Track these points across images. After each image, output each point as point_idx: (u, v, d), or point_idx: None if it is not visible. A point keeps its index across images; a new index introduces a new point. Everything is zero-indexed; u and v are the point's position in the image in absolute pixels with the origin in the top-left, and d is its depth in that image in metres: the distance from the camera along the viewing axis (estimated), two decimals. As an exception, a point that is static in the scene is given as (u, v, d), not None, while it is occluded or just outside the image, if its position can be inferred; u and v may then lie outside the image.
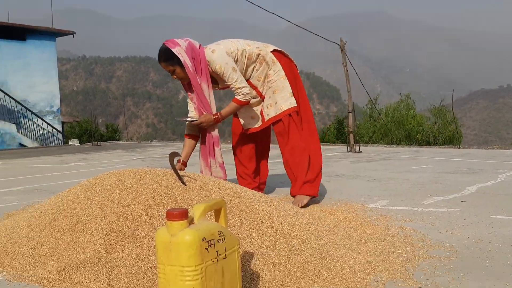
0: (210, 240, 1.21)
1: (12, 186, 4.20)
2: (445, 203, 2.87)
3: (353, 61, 8.01)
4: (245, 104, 2.90)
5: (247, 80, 2.95)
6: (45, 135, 14.04)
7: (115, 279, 1.58)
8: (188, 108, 3.01)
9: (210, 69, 2.84)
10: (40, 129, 13.91)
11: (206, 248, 1.19)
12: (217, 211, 1.38)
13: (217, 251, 1.23)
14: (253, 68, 2.97)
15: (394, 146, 8.44)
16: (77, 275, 1.63)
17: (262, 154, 3.27)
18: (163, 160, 6.34)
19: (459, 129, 13.65)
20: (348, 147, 7.18)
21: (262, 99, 3.03)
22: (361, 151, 6.96)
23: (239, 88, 2.82)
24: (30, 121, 13.70)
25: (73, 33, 15.32)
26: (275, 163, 5.45)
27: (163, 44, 2.81)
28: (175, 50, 2.74)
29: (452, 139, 15.81)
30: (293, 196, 2.95)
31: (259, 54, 2.96)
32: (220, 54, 2.81)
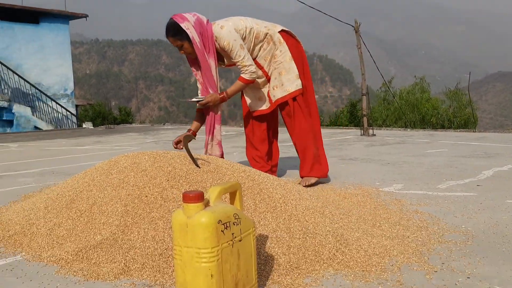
0: (226, 223, 1.21)
1: (28, 168, 4.26)
2: (460, 187, 2.84)
3: (367, 43, 7.89)
4: (251, 83, 2.89)
5: (254, 59, 2.93)
6: (60, 118, 14.19)
7: (132, 260, 1.60)
8: (198, 85, 3.02)
9: (217, 46, 2.82)
10: (55, 112, 14.04)
11: (222, 231, 1.20)
12: (232, 194, 1.38)
13: (232, 234, 1.23)
14: (260, 47, 2.95)
15: (408, 129, 8.36)
16: (94, 256, 1.65)
17: (272, 136, 3.27)
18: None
19: (475, 112, 13.46)
20: (362, 131, 7.12)
21: (268, 79, 3.02)
22: (374, 135, 6.91)
23: (245, 66, 2.80)
24: (44, 104, 13.83)
25: (86, 16, 15.33)
26: (287, 146, 5.44)
27: (171, 18, 2.77)
28: (183, 25, 2.71)
29: (467, 123, 15.59)
30: (302, 177, 3.03)
31: (267, 34, 2.94)
32: (229, 30, 2.78)
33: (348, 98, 22.48)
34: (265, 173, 2.29)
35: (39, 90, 13.62)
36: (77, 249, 1.70)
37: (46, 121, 13.53)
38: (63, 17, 14.81)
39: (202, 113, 2.92)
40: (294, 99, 2.96)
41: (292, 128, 3.03)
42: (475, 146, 5.01)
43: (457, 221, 2.09)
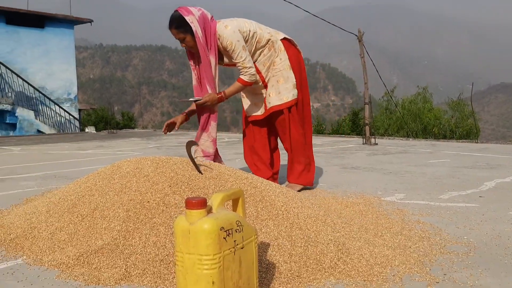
0: (228, 230, 1.21)
1: (30, 172, 4.27)
2: (462, 198, 2.83)
3: (370, 52, 7.91)
4: (249, 85, 2.90)
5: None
6: (62, 122, 14.23)
7: (132, 266, 1.60)
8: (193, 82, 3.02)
9: (219, 44, 2.81)
10: (58, 116, 14.09)
11: (224, 237, 1.20)
12: (235, 201, 1.38)
13: (234, 241, 1.23)
14: (261, 52, 2.96)
15: (410, 139, 8.36)
16: (95, 260, 1.65)
17: (273, 143, 3.27)
18: (178, 149, 6.38)
19: (477, 123, 13.44)
20: (364, 139, 7.12)
21: (265, 85, 3.03)
22: (376, 144, 6.90)
23: (246, 67, 2.80)
24: (48, 108, 13.88)
25: (90, 21, 15.42)
26: (290, 154, 5.44)
27: (176, 10, 2.76)
28: (188, 18, 2.70)
29: (469, 134, 15.57)
30: (288, 183, 3.09)
31: (269, 40, 2.95)
32: (233, 30, 2.78)
33: (351, 106, 22.50)
34: (267, 181, 2.29)
35: (43, 94, 13.67)
36: (78, 253, 1.70)
37: (49, 125, 13.57)
38: (68, 22, 14.91)
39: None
40: (289, 108, 2.97)
41: (285, 137, 3.04)
42: (477, 157, 5.00)
43: (459, 232, 2.09)
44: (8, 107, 12.69)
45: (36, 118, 13.28)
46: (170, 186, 1.94)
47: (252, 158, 3.20)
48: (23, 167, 4.71)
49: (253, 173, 3.12)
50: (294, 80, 2.98)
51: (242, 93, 3.22)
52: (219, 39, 2.80)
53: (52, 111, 13.94)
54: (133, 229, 1.75)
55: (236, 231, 1.24)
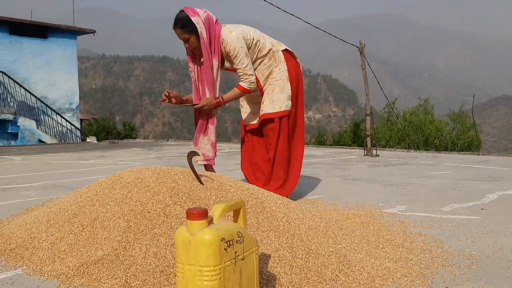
0: (229, 241, 1.21)
1: (31, 182, 4.27)
2: (464, 210, 2.82)
3: (371, 64, 7.93)
4: (248, 92, 2.90)
5: None
6: (64, 131, 14.26)
7: (132, 277, 1.59)
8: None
9: (222, 48, 2.81)
10: (59, 125, 14.12)
11: (225, 249, 1.19)
12: (236, 212, 1.37)
13: (235, 252, 1.23)
14: (261, 61, 2.96)
15: (412, 151, 8.35)
16: (95, 271, 1.64)
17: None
18: (179, 159, 6.38)
19: (479, 135, 13.44)
20: (365, 151, 7.12)
21: (262, 94, 3.02)
22: (378, 155, 6.90)
23: (246, 74, 2.80)
24: (49, 118, 13.92)
25: (93, 31, 15.53)
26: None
27: (182, 11, 2.76)
28: (194, 19, 2.70)
29: (471, 146, 15.57)
30: None
31: (270, 49, 2.95)
32: (237, 36, 2.78)
33: (352, 118, 22.55)
34: (268, 191, 2.28)
35: (45, 104, 13.72)
36: (78, 264, 1.69)
37: (50, 135, 13.60)
38: (71, 33, 15.01)
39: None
40: (280, 118, 2.94)
41: (270, 146, 2.99)
42: (479, 169, 4.99)
43: (461, 244, 2.07)
44: (10, 117, 12.73)
45: (37, 128, 13.31)
46: (171, 196, 1.94)
47: (251, 168, 3.17)
48: (24, 176, 4.71)
49: (250, 183, 3.11)
50: (290, 92, 2.97)
51: (240, 102, 3.22)
52: (222, 43, 2.80)
53: (53, 121, 13.98)
54: (134, 239, 1.75)
55: (237, 242, 1.24)
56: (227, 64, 2.94)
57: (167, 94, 2.90)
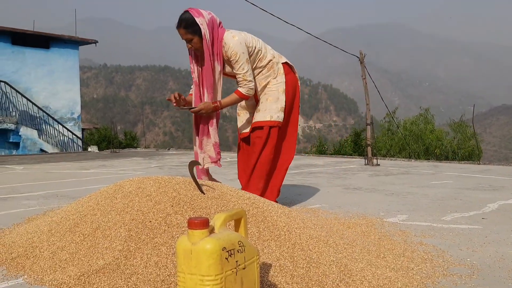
0: (230, 250, 1.21)
1: (32, 191, 4.28)
2: (465, 219, 2.82)
3: (371, 73, 7.97)
4: (246, 99, 2.90)
5: None
6: (65, 141, 14.29)
7: (133, 286, 1.59)
8: (192, 86, 3.01)
9: (224, 53, 2.80)
10: (61, 135, 14.16)
11: (226, 258, 1.20)
12: (237, 221, 1.38)
13: (236, 261, 1.23)
14: (260, 71, 2.96)
15: (412, 160, 8.35)
16: (96, 280, 1.64)
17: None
18: (180, 168, 6.39)
19: (480, 144, 13.45)
20: (366, 160, 7.12)
21: (256, 102, 3.03)
22: (378, 164, 6.90)
23: (246, 80, 2.79)
24: (51, 127, 13.96)
25: (95, 41, 15.63)
26: (292, 174, 5.44)
27: (187, 11, 2.75)
28: (198, 20, 2.69)
29: (471, 155, 15.57)
30: None
31: (270, 60, 2.95)
32: (239, 42, 2.77)
33: (352, 127, 22.58)
34: (269, 201, 2.29)
35: (47, 113, 13.77)
36: (79, 273, 1.69)
37: (52, 144, 13.63)
38: (73, 43, 15.11)
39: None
40: (270, 128, 2.92)
41: (254, 155, 2.97)
42: (479, 179, 4.99)
43: (462, 254, 2.07)
44: (12, 126, 12.77)
45: (39, 137, 13.34)
46: (172, 206, 1.94)
47: (247, 176, 3.17)
48: (25, 186, 4.72)
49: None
50: (284, 104, 2.95)
51: (238, 111, 3.22)
52: (224, 47, 2.79)
53: (55, 130, 14.02)
54: (135, 249, 1.75)
55: (238, 252, 1.24)
56: (227, 69, 2.93)
57: (177, 98, 2.89)
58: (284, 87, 2.97)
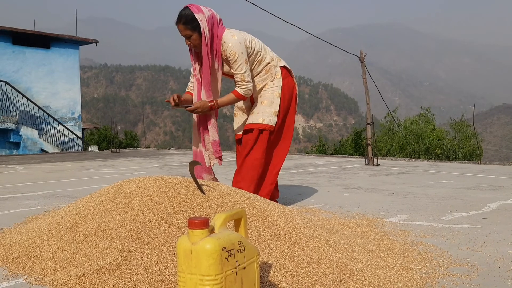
0: (230, 250, 1.22)
1: (33, 191, 4.28)
2: (465, 219, 2.82)
3: (372, 73, 7.97)
4: (243, 99, 2.87)
5: None
6: (66, 141, 14.30)
7: (134, 286, 1.59)
8: (189, 84, 3.00)
9: (222, 52, 2.77)
10: (61, 135, 14.17)
11: (226, 258, 1.20)
12: (237, 221, 1.38)
13: (236, 261, 1.23)
14: (258, 73, 2.94)
15: (413, 160, 8.35)
16: (96, 280, 1.65)
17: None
18: (181, 168, 6.39)
19: (480, 144, 13.44)
20: (366, 160, 7.12)
21: (252, 103, 3.02)
22: (379, 164, 6.90)
23: (244, 80, 2.77)
24: (51, 127, 13.97)
25: (96, 41, 15.64)
26: (292, 174, 5.44)
27: (187, 7, 2.72)
28: (198, 16, 2.66)
29: (472, 155, 15.57)
30: None
31: (269, 63, 2.93)
32: (239, 41, 2.74)
33: (353, 127, 22.59)
34: (269, 201, 2.29)
35: (47, 113, 13.78)
36: (80, 273, 1.69)
37: (52, 144, 13.64)
38: (73, 43, 15.13)
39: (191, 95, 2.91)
40: (260, 131, 2.89)
41: (240, 156, 2.96)
42: (480, 178, 4.99)
43: (462, 254, 2.07)
44: (13, 126, 12.78)
45: (39, 137, 13.36)
46: (172, 206, 1.95)
47: (236, 178, 3.15)
48: (26, 186, 4.73)
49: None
50: (278, 108, 2.92)
51: (234, 112, 3.21)
52: (223, 46, 2.76)
53: (55, 130, 14.03)
54: (135, 249, 1.75)
55: (238, 252, 1.25)
56: (225, 69, 2.91)
57: (176, 100, 2.88)
58: (280, 91, 2.94)
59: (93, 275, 1.67)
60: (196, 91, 2.89)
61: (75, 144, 14.51)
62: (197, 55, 2.85)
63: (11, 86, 13.24)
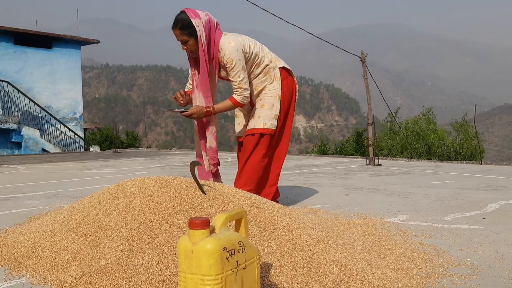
0: (230, 250, 1.22)
1: (35, 191, 4.29)
2: (466, 219, 2.82)
3: (373, 73, 7.98)
4: (240, 106, 2.87)
5: None
6: (67, 141, 14.32)
7: (135, 286, 1.60)
8: (187, 85, 3.00)
9: (220, 58, 2.75)
10: (63, 135, 14.19)
11: (226, 258, 1.21)
12: (238, 221, 1.39)
13: (237, 261, 1.24)
14: (256, 76, 2.92)
15: (414, 160, 8.35)
16: (98, 280, 1.66)
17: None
18: (182, 169, 6.40)
19: (482, 144, 13.44)
20: (367, 160, 7.13)
21: (252, 106, 3.01)
22: (380, 165, 6.90)
23: (241, 88, 2.75)
24: (53, 127, 14.00)
25: (97, 42, 15.66)
26: (293, 174, 5.45)
27: (183, 11, 2.68)
28: (194, 22, 2.62)
29: (473, 155, 15.56)
30: None
31: (267, 65, 2.90)
32: (236, 48, 2.71)
33: (354, 127, 22.59)
34: (270, 201, 2.30)
35: (49, 113, 13.81)
36: (81, 273, 1.70)
37: (54, 144, 13.66)
38: (75, 43, 15.14)
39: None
40: (261, 135, 2.89)
41: (243, 158, 2.96)
42: (481, 179, 4.99)
43: (463, 254, 2.08)
44: (14, 126, 12.81)
45: (41, 137, 13.38)
46: (173, 206, 1.96)
47: (237, 180, 3.15)
48: (28, 186, 4.74)
49: None
50: (278, 111, 2.91)
51: (236, 112, 3.20)
52: (220, 52, 2.73)
53: (57, 130, 14.05)
54: (137, 248, 1.76)
55: (239, 252, 1.25)
56: (223, 73, 2.90)
57: (183, 94, 2.87)
58: (280, 93, 2.92)
59: (94, 275, 1.68)
60: (194, 97, 2.89)
61: (76, 144, 14.53)
62: (194, 60, 2.83)
63: (13, 86, 13.26)
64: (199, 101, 2.82)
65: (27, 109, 13.57)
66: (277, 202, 3.15)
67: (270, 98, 2.91)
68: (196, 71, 2.83)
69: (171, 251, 1.74)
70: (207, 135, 2.87)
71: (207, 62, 2.72)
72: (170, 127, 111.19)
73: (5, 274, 1.82)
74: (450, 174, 5.49)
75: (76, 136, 14.47)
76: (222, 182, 2.99)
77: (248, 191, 2.83)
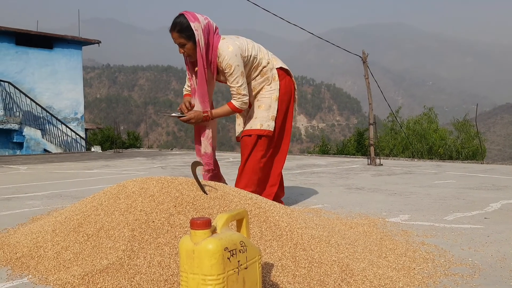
0: (232, 250, 1.23)
1: (36, 191, 4.30)
2: (467, 219, 2.82)
3: (374, 73, 7.97)
4: (238, 112, 2.86)
5: None
6: (69, 141, 14.34)
7: (137, 286, 1.60)
8: (185, 87, 2.99)
9: (218, 63, 2.73)
10: (64, 135, 14.21)
11: (228, 258, 1.21)
12: (239, 221, 1.39)
13: (238, 261, 1.24)
14: (254, 78, 2.91)
15: (415, 159, 8.34)
16: (100, 280, 1.66)
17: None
18: (183, 169, 6.40)
19: (483, 144, 13.43)
20: (369, 160, 7.12)
21: (249, 107, 3.01)
22: (381, 164, 6.90)
23: (240, 94, 2.73)
24: (54, 127, 14.02)
25: (98, 42, 15.67)
26: (294, 174, 5.45)
27: (182, 14, 2.64)
28: (193, 25, 2.59)
29: (475, 154, 15.54)
30: None
31: (265, 67, 2.88)
32: (235, 53, 2.69)
33: (355, 127, 22.57)
34: (271, 201, 2.30)
35: (50, 114, 13.83)
36: (83, 273, 1.71)
37: (55, 144, 13.68)
38: (76, 43, 15.16)
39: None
40: (258, 136, 2.87)
41: (242, 158, 2.96)
42: (483, 178, 4.98)
43: (464, 253, 2.08)
44: (16, 126, 12.83)
45: (43, 137, 13.40)
46: (175, 206, 1.96)
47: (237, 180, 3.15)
48: (29, 186, 4.75)
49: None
50: (275, 112, 2.90)
51: (236, 114, 3.21)
52: (219, 57, 2.71)
53: (59, 131, 14.07)
54: (138, 248, 1.77)
55: (240, 252, 1.26)
56: (221, 77, 2.89)
57: (189, 107, 2.84)
58: (278, 94, 2.90)
59: (96, 275, 1.68)
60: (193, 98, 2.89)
61: (78, 144, 14.55)
62: (191, 64, 2.81)
63: (14, 87, 13.28)
64: (197, 105, 2.81)
65: (29, 109, 13.59)
66: (281, 201, 3.16)
67: (267, 99, 2.90)
68: (193, 75, 2.82)
69: (172, 251, 1.74)
70: (202, 141, 2.86)
71: (205, 67, 2.69)
72: (171, 127, 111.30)
73: (7, 274, 1.82)
74: (451, 174, 5.49)
75: (77, 136, 14.49)
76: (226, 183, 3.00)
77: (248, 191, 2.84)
